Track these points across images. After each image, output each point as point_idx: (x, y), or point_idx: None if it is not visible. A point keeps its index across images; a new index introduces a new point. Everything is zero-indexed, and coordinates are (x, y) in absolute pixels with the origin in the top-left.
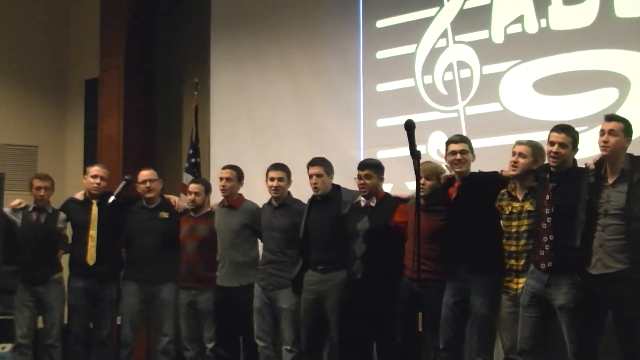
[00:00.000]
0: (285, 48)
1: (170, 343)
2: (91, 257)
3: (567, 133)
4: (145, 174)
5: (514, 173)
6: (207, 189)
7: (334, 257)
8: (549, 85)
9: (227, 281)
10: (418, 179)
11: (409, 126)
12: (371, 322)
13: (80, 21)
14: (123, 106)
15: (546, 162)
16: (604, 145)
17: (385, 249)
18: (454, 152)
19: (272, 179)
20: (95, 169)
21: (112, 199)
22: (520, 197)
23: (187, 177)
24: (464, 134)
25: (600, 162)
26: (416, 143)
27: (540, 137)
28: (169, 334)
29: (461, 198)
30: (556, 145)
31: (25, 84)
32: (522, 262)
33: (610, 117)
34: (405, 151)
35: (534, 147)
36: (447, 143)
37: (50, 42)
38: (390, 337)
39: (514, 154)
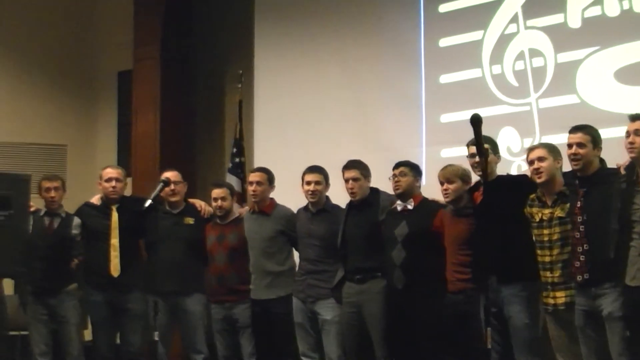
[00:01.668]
0: (338, 35)
1: None
2: (115, 268)
3: (584, 131)
4: (170, 175)
5: (540, 180)
6: (232, 192)
7: (372, 266)
8: (632, 75)
9: (263, 294)
10: (485, 177)
11: (476, 121)
12: (419, 338)
13: (111, 7)
14: (159, 100)
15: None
16: (630, 147)
17: (427, 256)
18: (473, 155)
19: (308, 183)
20: (108, 172)
21: (148, 202)
22: (549, 203)
23: (230, 179)
24: (537, 129)
25: (631, 167)
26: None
27: (623, 132)
28: (203, 350)
29: (485, 203)
30: (574, 147)
31: (52, 78)
32: (557, 273)
33: (635, 117)
34: (473, 149)
35: (548, 146)
36: (468, 145)
37: (78, 31)
38: (442, 353)
39: (531, 162)
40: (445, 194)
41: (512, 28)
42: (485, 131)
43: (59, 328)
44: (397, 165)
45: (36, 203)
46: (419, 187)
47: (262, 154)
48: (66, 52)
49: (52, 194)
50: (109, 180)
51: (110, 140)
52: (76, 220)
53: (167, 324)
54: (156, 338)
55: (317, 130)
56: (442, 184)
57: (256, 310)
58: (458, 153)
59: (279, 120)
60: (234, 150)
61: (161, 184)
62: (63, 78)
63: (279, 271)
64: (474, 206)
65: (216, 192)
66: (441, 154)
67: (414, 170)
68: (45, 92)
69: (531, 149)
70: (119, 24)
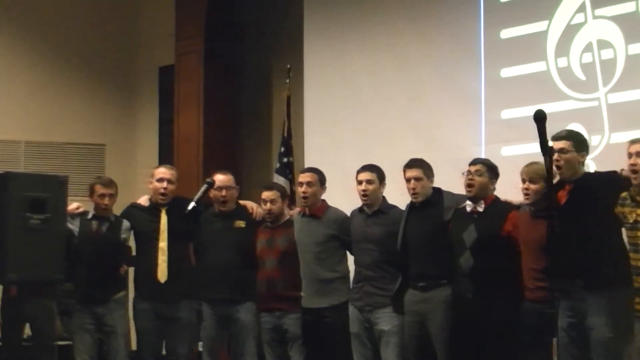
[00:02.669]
0: (393, 27)
1: None
2: (162, 273)
3: None
4: (222, 179)
5: (637, 182)
6: (283, 194)
7: (437, 272)
8: None
9: (315, 302)
10: (550, 179)
11: (540, 118)
12: (492, 351)
13: None
14: (203, 97)
15: None
16: None
17: (498, 264)
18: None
19: (359, 182)
20: (161, 172)
21: (192, 205)
22: None
23: (277, 180)
24: (606, 125)
25: None
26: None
27: None
28: None
29: (571, 203)
30: None
31: (89, 74)
32: None
33: None
34: (536, 147)
35: None
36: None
37: (117, 25)
38: None
39: (630, 155)
40: (526, 194)
41: (579, 18)
42: (551, 128)
43: (105, 338)
44: (474, 162)
45: (84, 205)
46: (494, 190)
47: (312, 154)
48: (104, 47)
49: (106, 201)
50: (160, 180)
51: (150, 139)
52: (125, 224)
53: (215, 334)
54: (200, 348)
55: (370, 127)
56: (523, 181)
57: (307, 320)
58: (520, 151)
59: (330, 117)
60: (282, 149)
61: (205, 186)
62: (101, 74)
63: (331, 278)
64: (558, 207)
65: (266, 195)
66: (502, 152)
67: (491, 171)
68: (82, 89)
69: (633, 142)
70: (160, 16)
